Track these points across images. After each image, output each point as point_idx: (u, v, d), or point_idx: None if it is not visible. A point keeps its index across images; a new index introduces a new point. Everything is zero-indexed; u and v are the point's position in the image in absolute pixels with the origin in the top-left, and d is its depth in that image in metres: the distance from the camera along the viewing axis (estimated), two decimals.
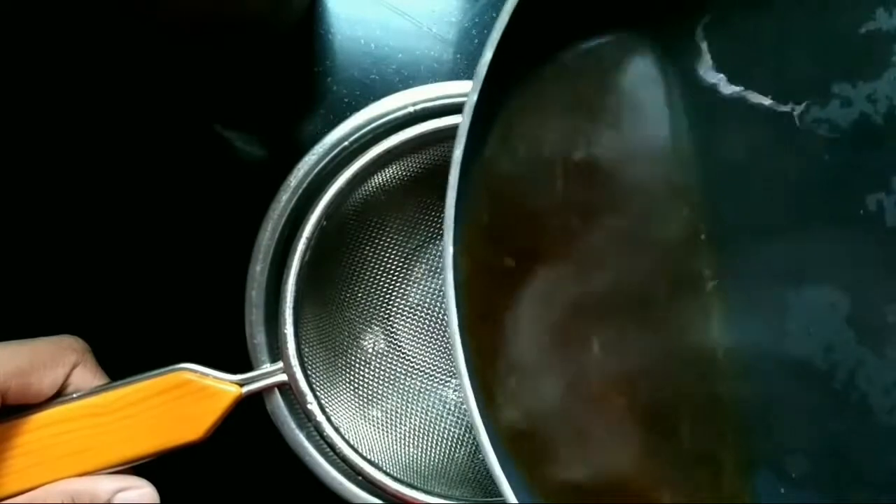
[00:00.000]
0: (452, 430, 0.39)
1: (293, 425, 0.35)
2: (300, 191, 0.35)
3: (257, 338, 0.35)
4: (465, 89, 0.33)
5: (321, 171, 0.35)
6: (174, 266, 0.38)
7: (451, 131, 0.31)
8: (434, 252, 0.39)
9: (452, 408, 0.40)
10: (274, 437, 0.34)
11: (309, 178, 0.35)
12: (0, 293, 0.38)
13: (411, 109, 0.34)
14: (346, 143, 0.35)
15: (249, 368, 0.35)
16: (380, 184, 0.37)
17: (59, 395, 0.33)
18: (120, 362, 0.33)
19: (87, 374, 0.33)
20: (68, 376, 0.32)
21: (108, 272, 0.38)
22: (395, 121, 0.35)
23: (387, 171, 0.36)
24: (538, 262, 0.27)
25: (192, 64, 0.37)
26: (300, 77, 0.38)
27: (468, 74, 0.39)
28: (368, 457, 0.35)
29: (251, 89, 0.38)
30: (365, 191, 0.36)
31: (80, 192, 0.38)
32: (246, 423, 0.33)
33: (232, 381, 0.34)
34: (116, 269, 0.38)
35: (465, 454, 0.38)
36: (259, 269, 0.34)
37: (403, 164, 0.36)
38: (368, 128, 0.35)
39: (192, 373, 0.33)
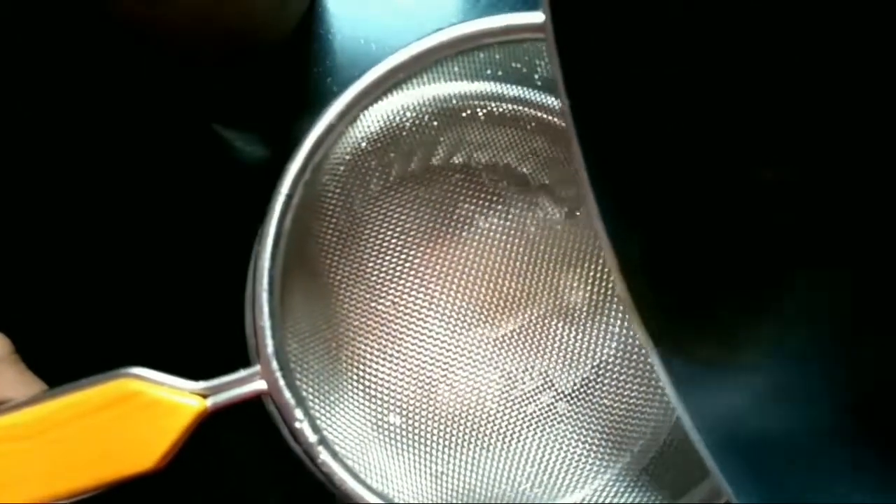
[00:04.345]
0: (508, 438, 0.32)
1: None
2: None
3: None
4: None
5: None
6: (171, 265, 0.37)
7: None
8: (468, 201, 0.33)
9: (503, 405, 0.32)
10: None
11: None
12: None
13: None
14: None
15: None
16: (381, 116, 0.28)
17: None
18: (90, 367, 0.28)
19: (6, 385, 0.26)
20: None
21: (102, 271, 0.37)
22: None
23: (388, 101, 0.27)
24: None
25: (191, 64, 0.38)
26: (300, 77, 0.38)
27: None
28: (379, 488, 0.26)
29: (251, 89, 0.38)
30: (359, 132, 0.28)
31: (79, 191, 0.37)
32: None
33: (194, 391, 0.26)
34: (111, 268, 0.37)
35: (532, 481, 0.30)
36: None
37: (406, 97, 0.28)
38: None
39: (141, 380, 0.26)
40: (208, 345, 0.32)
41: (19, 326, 0.29)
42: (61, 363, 0.28)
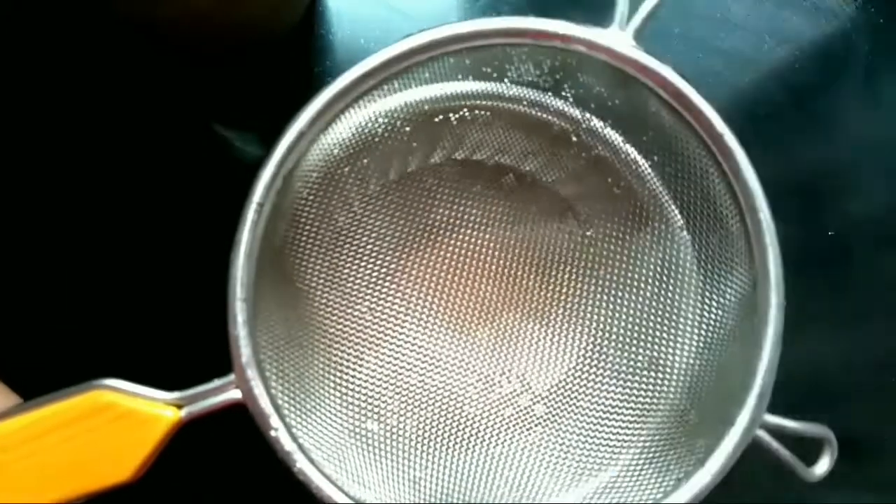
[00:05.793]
0: (486, 442, 0.32)
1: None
2: None
3: None
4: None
5: None
6: (168, 266, 0.37)
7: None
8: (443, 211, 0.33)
9: (480, 409, 0.32)
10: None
11: None
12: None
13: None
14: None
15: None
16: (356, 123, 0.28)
17: None
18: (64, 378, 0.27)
19: None
20: None
21: (98, 272, 0.36)
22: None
23: (359, 107, 0.27)
24: None
25: (191, 64, 0.38)
26: (300, 77, 0.38)
27: None
28: (358, 495, 0.26)
29: (251, 89, 0.38)
30: (331, 139, 0.28)
31: (78, 191, 0.37)
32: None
33: (168, 402, 0.26)
34: (107, 269, 0.37)
35: (510, 485, 0.30)
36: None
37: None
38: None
39: (114, 391, 0.26)
40: (204, 350, 0.32)
41: None
42: (35, 375, 0.27)
